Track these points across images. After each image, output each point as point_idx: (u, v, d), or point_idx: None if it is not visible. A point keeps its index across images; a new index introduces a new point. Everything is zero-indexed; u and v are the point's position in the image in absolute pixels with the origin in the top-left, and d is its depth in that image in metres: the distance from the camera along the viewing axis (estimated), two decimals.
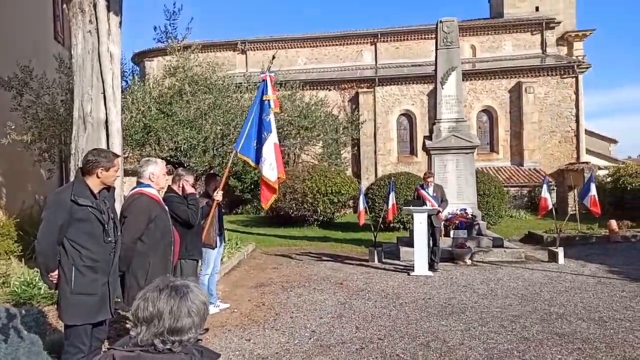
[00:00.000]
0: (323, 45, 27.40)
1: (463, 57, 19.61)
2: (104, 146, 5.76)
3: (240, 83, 14.62)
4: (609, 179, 17.44)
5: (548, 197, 9.42)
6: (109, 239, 3.17)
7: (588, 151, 24.52)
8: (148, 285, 1.53)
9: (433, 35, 12.46)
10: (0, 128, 8.71)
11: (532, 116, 23.26)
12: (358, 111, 24.06)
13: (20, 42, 10.05)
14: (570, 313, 5.47)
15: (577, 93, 23.20)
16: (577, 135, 23.30)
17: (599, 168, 21.10)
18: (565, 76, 23.35)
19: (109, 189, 3.31)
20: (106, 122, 5.87)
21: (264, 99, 5.37)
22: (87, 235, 3.09)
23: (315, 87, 24.04)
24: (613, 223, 11.23)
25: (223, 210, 6.59)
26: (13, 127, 8.46)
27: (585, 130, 24.48)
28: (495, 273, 7.82)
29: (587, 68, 23.52)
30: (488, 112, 24.34)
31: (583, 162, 21.98)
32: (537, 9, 26.21)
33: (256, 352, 4.39)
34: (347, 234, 13.29)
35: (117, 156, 3.36)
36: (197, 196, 4.86)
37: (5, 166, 9.59)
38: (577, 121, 23.25)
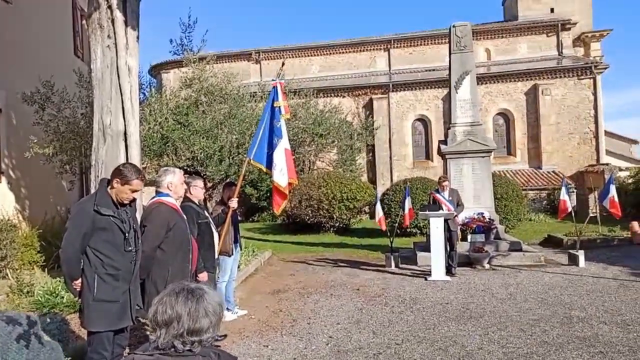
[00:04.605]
0: (336, 53, 27.53)
1: (477, 60, 19.48)
2: (123, 157, 5.90)
3: (255, 92, 14.81)
4: (630, 180, 17.12)
5: (567, 200, 9.29)
6: (130, 248, 3.25)
7: (608, 152, 24.05)
8: (163, 291, 1.59)
9: (446, 40, 12.45)
10: (23, 142, 8.97)
11: (549, 118, 22.96)
12: (372, 117, 24.09)
13: (42, 58, 10.35)
14: (592, 316, 5.38)
15: (595, 94, 22.83)
16: (597, 137, 22.89)
17: (620, 169, 20.67)
18: (582, 77, 23.01)
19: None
20: (125, 133, 6.01)
21: (275, 105, 5.46)
22: (109, 244, 3.17)
23: (329, 95, 24.16)
24: (635, 225, 10.98)
25: (240, 218, 6.66)
26: (35, 140, 8.70)
27: (605, 131, 24.02)
28: (514, 277, 7.73)
29: (605, 68, 23.15)
30: (504, 115, 24.10)
31: (603, 164, 21.56)
32: (552, 10, 25.91)
33: (274, 357, 4.42)
34: (364, 240, 13.26)
35: (141, 176, 3.28)
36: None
37: (28, 179, 9.85)
38: (596, 122, 22.85)
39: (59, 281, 5.92)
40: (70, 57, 12.13)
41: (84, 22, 10.74)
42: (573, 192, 19.06)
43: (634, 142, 29.44)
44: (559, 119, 23.04)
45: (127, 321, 3.30)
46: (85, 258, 3.15)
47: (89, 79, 8.30)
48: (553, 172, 22.24)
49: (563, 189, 9.47)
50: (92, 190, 5.83)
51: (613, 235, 11.28)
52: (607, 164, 21.36)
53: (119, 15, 5.93)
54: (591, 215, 10.69)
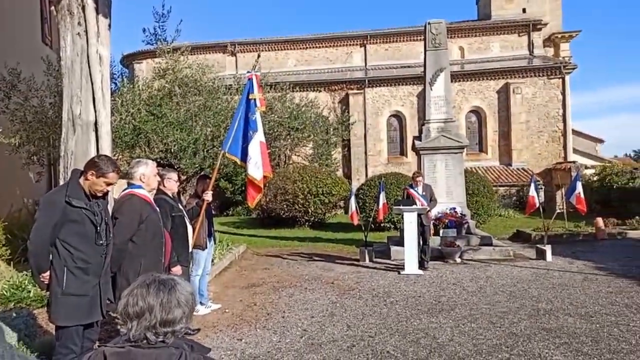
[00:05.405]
0: (313, 47, 27.46)
1: (452, 58, 19.78)
2: (93, 148, 5.75)
3: (230, 85, 14.61)
4: (595, 178, 17.71)
5: (535, 196, 9.55)
6: (101, 241, 3.17)
7: (575, 151, 24.83)
8: (133, 283, 1.56)
9: (422, 37, 12.57)
10: None
11: (519, 116, 23.53)
12: (348, 112, 24.17)
13: (8, 44, 9.97)
14: (558, 309, 5.57)
15: (563, 93, 23.50)
16: (564, 135, 23.60)
17: (586, 167, 21.38)
18: (552, 77, 23.64)
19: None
20: (95, 124, 5.85)
21: (250, 97, 5.40)
22: (79, 237, 3.09)
23: (305, 89, 24.07)
24: (599, 221, 11.40)
25: (214, 212, 6.60)
26: (1, 130, 8.40)
27: (572, 130, 24.78)
28: (484, 271, 7.91)
29: (574, 69, 23.83)
30: (477, 112, 24.57)
31: (570, 162, 22.26)
32: (524, 10, 26.47)
33: (248, 351, 4.41)
34: (338, 234, 13.33)
35: (116, 169, 3.23)
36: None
37: None
38: (564, 121, 23.55)
39: (26, 275, 5.75)
40: (38, 44, 11.72)
41: (52, 8, 10.37)
42: (541, 188, 19.60)
43: (600, 141, 30.49)
44: (529, 117, 23.64)
45: (97, 315, 3.23)
46: (55, 251, 3.07)
47: (58, 67, 8.05)
48: (522, 169, 22.83)
49: (532, 186, 9.73)
50: (61, 182, 5.67)
51: (579, 231, 11.69)
52: (574, 162, 22.06)
53: (89, 2, 5.75)
54: (558, 211, 11.03)
